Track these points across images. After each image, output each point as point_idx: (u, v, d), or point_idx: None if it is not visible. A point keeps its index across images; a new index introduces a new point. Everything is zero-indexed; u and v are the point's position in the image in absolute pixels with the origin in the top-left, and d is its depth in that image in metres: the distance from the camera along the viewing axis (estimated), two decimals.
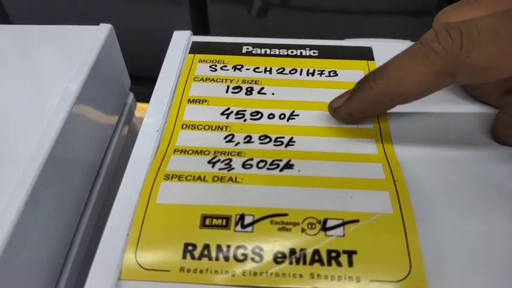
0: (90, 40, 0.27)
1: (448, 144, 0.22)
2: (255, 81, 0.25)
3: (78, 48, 0.27)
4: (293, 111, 0.24)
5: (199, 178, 0.20)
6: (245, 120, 0.23)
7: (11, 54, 0.28)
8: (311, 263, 0.17)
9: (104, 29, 0.27)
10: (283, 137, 0.22)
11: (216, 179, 0.20)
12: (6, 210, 0.19)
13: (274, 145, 0.22)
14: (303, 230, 0.18)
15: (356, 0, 0.77)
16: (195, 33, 0.29)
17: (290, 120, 0.23)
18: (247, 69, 0.26)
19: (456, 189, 0.20)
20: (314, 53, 0.27)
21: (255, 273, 0.17)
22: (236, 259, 0.17)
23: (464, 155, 0.21)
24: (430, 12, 0.78)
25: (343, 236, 0.18)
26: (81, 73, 0.25)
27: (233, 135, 0.22)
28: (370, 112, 0.22)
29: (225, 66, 0.26)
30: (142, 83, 0.35)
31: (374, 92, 0.20)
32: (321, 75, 0.26)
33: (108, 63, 0.29)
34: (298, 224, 0.18)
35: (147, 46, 0.67)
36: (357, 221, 0.18)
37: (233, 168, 0.21)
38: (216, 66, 0.26)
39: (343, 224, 0.18)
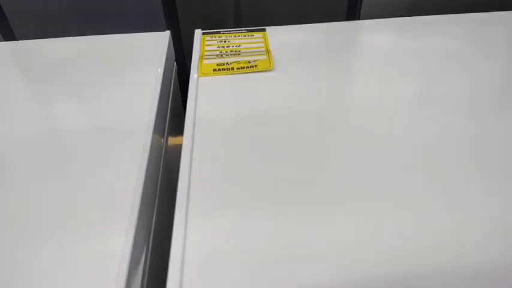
0: (163, 44, 0.57)
1: None
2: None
3: (155, 51, 0.55)
4: None
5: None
6: None
7: (99, 63, 0.47)
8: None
9: (166, 35, 0.61)
10: None
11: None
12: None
13: None
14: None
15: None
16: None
17: None
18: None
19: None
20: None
21: None
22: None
23: None
24: None
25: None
26: (162, 70, 0.53)
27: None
28: None
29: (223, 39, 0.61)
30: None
31: None
32: None
33: (172, 59, 0.60)
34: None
35: None
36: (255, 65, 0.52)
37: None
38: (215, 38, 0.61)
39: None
